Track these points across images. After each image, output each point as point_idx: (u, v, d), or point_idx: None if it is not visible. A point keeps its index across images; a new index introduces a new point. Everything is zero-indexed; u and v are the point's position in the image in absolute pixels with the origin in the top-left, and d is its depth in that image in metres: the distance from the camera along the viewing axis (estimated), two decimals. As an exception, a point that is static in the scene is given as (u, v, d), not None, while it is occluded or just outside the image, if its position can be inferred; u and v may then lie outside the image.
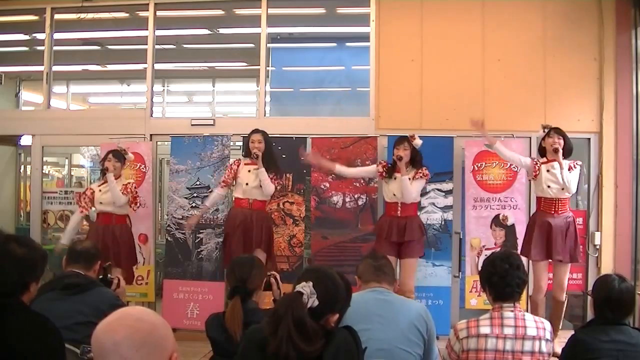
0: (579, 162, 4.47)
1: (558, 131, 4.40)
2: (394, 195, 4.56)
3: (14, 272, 1.87)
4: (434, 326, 2.50)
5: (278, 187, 4.86)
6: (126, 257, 4.77)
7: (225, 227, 4.81)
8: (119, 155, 4.76)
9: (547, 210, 4.38)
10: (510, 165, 5.13)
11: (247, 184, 4.61)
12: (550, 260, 4.41)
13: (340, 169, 4.78)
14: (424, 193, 4.96)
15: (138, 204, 4.84)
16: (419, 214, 4.84)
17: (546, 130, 4.47)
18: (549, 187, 4.36)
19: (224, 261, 4.77)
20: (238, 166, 4.72)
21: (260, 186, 4.57)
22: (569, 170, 4.32)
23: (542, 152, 4.53)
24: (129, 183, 4.79)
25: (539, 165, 4.43)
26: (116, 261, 4.62)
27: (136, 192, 4.80)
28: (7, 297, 1.84)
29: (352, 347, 1.76)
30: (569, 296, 4.59)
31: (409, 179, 4.52)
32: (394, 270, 2.75)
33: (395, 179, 4.57)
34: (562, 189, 4.32)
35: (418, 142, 4.54)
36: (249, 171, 4.63)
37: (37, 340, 1.80)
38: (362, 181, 5.26)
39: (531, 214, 4.73)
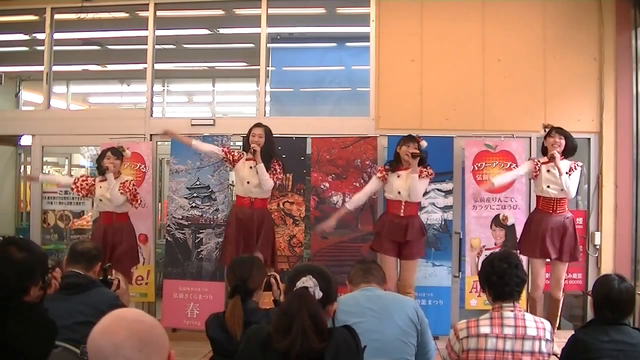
0: (580, 163, 4.46)
1: (559, 130, 4.40)
2: (399, 193, 4.50)
3: (12, 277, 1.87)
4: (425, 317, 2.54)
5: (277, 183, 4.79)
6: (127, 256, 4.73)
7: (227, 225, 4.78)
8: (118, 152, 4.72)
9: (546, 209, 4.39)
10: (511, 165, 5.13)
11: (248, 182, 4.59)
12: (548, 260, 4.42)
13: (349, 206, 4.68)
14: (424, 193, 4.95)
15: (139, 202, 4.77)
16: (419, 213, 4.84)
17: (547, 130, 4.47)
18: (548, 187, 4.36)
19: (222, 258, 4.73)
20: (239, 157, 4.68)
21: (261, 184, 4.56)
22: (570, 171, 4.32)
23: (544, 151, 4.52)
24: (127, 181, 4.70)
25: (539, 165, 4.43)
26: (116, 261, 4.56)
27: (135, 190, 4.72)
28: (6, 301, 1.83)
29: (351, 345, 1.77)
30: (569, 296, 4.59)
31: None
32: (384, 273, 2.80)
33: (399, 176, 4.53)
34: (562, 189, 4.33)
35: (424, 143, 4.54)
36: (250, 167, 4.58)
37: (37, 342, 1.79)
38: (362, 181, 5.25)
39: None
